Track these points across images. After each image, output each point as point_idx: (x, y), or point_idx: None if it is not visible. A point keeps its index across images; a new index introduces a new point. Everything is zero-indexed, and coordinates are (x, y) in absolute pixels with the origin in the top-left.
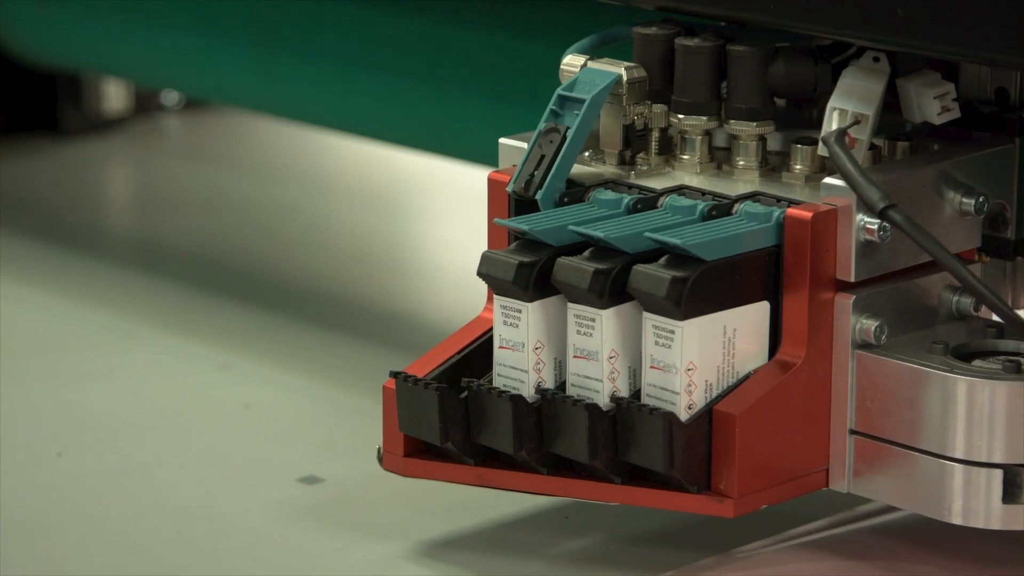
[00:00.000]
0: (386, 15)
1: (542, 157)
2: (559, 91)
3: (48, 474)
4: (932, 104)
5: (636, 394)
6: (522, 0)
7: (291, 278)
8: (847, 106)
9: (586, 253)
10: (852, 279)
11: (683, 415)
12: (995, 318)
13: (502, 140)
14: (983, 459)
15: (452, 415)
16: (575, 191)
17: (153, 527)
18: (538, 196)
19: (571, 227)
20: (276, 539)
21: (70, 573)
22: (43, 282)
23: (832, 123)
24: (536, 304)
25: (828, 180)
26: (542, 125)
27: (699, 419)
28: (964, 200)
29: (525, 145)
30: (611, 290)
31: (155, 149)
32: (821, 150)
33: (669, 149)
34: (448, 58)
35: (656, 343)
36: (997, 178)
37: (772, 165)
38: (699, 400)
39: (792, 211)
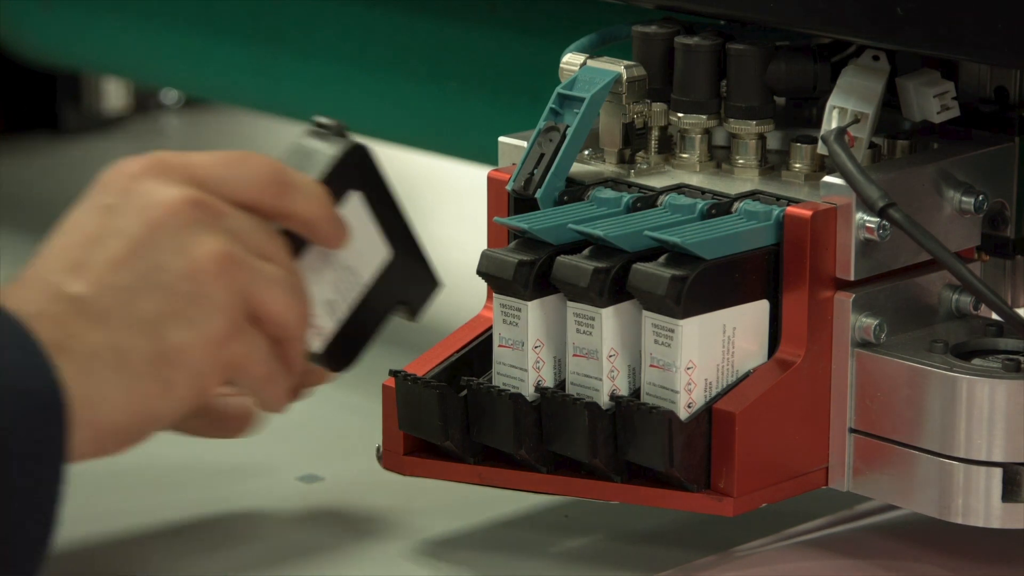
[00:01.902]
0: (386, 15)
1: (541, 156)
2: (559, 90)
3: None
4: (931, 103)
5: (636, 392)
6: (522, 0)
7: None
8: (847, 105)
9: (586, 252)
10: (852, 278)
11: (683, 413)
12: (995, 317)
13: (501, 139)
14: (983, 457)
15: (452, 414)
16: (575, 190)
17: (153, 527)
18: (538, 195)
19: (571, 226)
20: (276, 538)
21: (71, 573)
22: None
23: (832, 121)
24: (536, 303)
25: (828, 179)
26: (542, 124)
27: (699, 418)
28: (964, 198)
29: (525, 144)
30: (611, 289)
31: (155, 148)
32: (821, 149)
33: (668, 148)
34: (448, 57)
35: (655, 341)
36: (997, 176)
37: (772, 164)
38: (699, 399)
39: (792, 210)
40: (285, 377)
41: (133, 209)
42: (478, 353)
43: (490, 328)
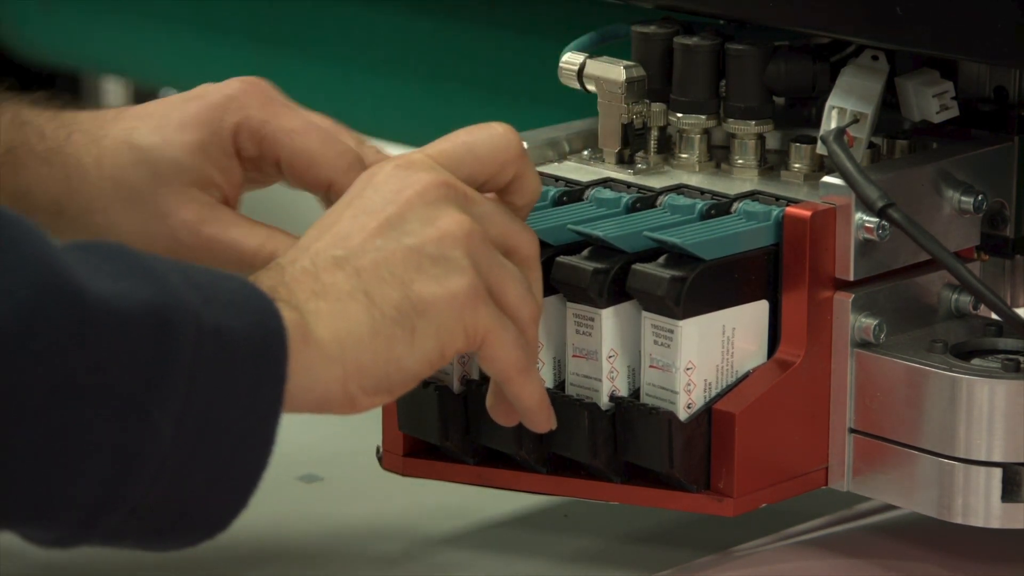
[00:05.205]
0: (386, 15)
1: None
2: None
3: None
4: (931, 102)
5: (635, 393)
6: (522, 0)
7: None
8: (846, 105)
9: (585, 252)
10: (851, 278)
11: (682, 414)
12: (994, 316)
13: None
14: (982, 457)
15: (451, 414)
16: (574, 190)
17: None
18: None
19: (570, 226)
20: (276, 539)
21: (70, 573)
22: None
23: (831, 122)
24: None
25: (827, 179)
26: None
27: (698, 418)
28: (963, 198)
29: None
30: (610, 289)
31: None
32: (820, 149)
33: (668, 148)
34: (448, 58)
35: (655, 342)
36: (996, 176)
37: (771, 164)
38: (698, 399)
39: (791, 210)
40: (537, 374)
41: (388, 192)
42: None
43: None
